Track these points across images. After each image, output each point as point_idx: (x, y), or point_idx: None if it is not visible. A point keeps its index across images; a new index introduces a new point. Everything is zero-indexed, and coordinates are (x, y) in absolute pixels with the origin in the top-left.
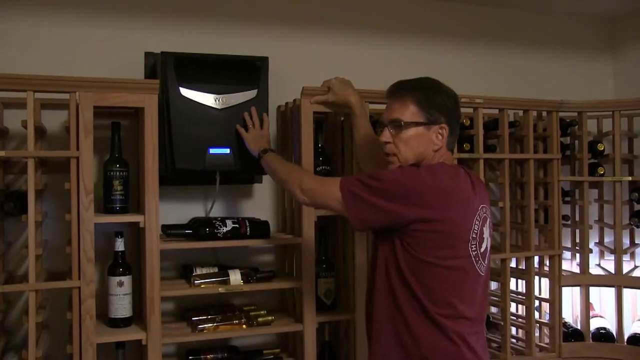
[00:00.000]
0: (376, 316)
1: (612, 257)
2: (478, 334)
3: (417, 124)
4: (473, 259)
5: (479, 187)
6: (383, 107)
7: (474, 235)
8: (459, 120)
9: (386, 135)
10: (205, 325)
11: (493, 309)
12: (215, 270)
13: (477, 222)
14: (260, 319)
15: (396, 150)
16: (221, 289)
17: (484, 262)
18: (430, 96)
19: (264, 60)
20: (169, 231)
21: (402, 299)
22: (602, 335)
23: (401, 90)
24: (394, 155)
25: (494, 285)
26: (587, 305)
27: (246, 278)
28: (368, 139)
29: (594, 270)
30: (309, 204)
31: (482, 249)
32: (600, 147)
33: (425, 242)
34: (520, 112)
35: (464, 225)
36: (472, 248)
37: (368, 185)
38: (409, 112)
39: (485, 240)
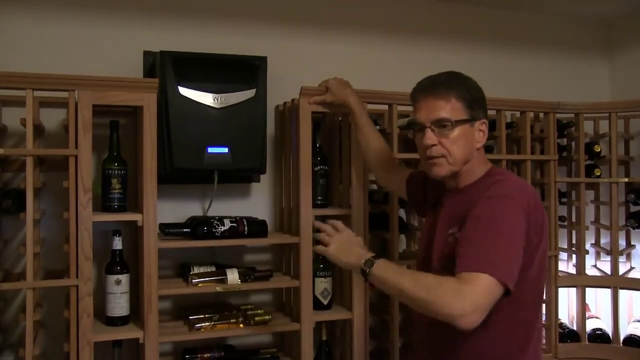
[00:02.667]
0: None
1: (608, 258)
2: None
3: (464, 121)
4: None
5: None
6: (380, 107)
7: None
8: None
9: (430, 137)
10: (203, 324)
11: None
12: (213, 269)
13: None
14: (257, 318)
15: (444, 151)
16: (218, 288)
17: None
18: (471, 90)
19: (262, 60)
20: (167, 230)
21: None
22: (598, 336)
23: (440, 86)
24: (441, 157)
25: None
26: (583, 306)
27: (243, 277)
28: (374, 138)
29: (590, 271)
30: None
31: None
32: (597, 148)
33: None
34: (518, 113)
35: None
36: None
37: (494, 245)
38: (455, 109)
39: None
